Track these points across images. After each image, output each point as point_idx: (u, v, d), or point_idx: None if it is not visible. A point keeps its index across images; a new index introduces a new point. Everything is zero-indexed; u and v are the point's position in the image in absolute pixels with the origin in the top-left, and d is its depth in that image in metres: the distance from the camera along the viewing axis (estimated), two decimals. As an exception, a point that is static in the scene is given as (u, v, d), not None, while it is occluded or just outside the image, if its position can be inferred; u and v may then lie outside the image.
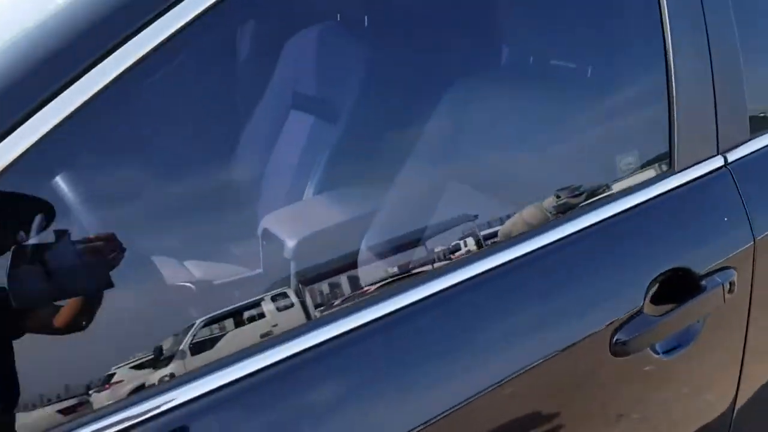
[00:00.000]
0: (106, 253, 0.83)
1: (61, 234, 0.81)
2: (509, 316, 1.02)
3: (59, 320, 0.81)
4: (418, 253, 1.07)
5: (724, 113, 1.24)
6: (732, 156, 1.24)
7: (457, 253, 1.06)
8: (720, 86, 1.23)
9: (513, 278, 1.03)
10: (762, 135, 1.30)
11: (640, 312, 1.07)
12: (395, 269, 1.04)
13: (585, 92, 1.21)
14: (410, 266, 1.04)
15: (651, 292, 1.09)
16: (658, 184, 1.16)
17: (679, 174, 1.18)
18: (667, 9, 1.17)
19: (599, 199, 1.12)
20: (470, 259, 1.02)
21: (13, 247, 0.78)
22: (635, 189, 1.14)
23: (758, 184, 1.26)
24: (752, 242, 1.20)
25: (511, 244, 1.04)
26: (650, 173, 1.17)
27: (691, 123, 1.20)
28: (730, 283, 1.16)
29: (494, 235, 1.08)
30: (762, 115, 1.33)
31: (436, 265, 1.03)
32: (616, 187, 1.14)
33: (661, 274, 1.10)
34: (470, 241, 1.08)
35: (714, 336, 1.16)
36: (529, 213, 1.09)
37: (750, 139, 1.29)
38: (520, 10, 1.34)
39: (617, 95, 1.21)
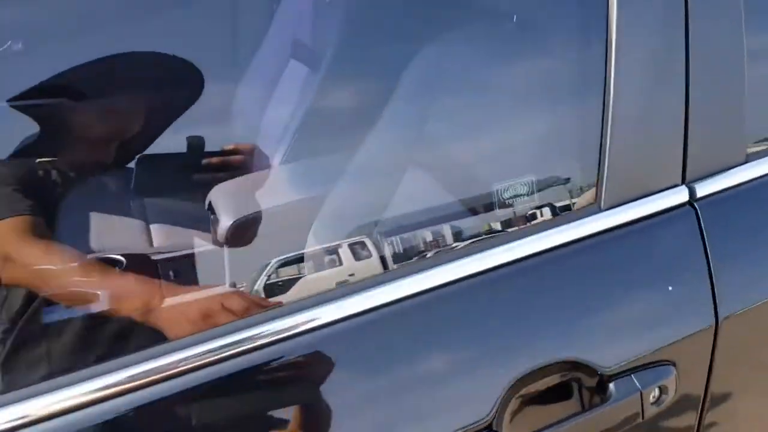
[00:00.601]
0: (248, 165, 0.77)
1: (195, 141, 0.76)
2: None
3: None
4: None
5: (701, 122, 0.81)
6: (704, 188, 0.82)
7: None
8: (700, 81, 0.81)
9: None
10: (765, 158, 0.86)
11: (488, 428, 0.70)
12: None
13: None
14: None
15: (518, 397, 0.71)
16: (567, 226, 0.76)
17: (606, 213, 0.78)
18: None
19: (461, 246, 0.74)
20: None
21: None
22: (523, 234, 0.74)
23: (742, 233, 0.83)
24: (713, 324, 0.79)
25: (315, 305, 0.69)
26: (556, 210, 0.78)
27: (638, 133, 0.79)
28: (660, 389, 0.76)
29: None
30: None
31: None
32: (493, 231, 0.76)
33: (542, 369, 0.72)
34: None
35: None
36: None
37: (744, 163, 0.85)
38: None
39: (510, 84, 0.81)
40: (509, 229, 0.75)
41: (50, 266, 0.74)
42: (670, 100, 0.79)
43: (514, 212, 0.76)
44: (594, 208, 0.77)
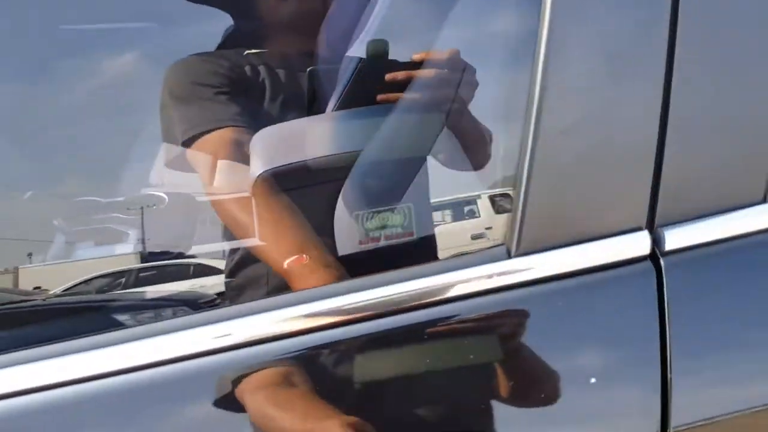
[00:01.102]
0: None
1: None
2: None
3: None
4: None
5: (690, 135, 0.55)
6: (679, 236, 0.56)
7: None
8: (692, 74, 0.55)
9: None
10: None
11: None
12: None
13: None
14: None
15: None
16: (452, 275, 0.53)
17: (517, 260, 0.55)
18: None
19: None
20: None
21: None
22: (384, 281, 0.53)
23: (726, 310, 0.56)
24: (659, 434, 0.55)
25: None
26: (436, 250, 0.55)
27: (579, 147, 0.54)
28: None
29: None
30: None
31: None
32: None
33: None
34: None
35: None
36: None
37: (762, 203, 0.58)
38: None
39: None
40: (366, 275, 0.54)
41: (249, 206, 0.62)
42: (637, 100, 0.54)
43: (376, 250, 0.55)
44: (499, 252, 0.55)
